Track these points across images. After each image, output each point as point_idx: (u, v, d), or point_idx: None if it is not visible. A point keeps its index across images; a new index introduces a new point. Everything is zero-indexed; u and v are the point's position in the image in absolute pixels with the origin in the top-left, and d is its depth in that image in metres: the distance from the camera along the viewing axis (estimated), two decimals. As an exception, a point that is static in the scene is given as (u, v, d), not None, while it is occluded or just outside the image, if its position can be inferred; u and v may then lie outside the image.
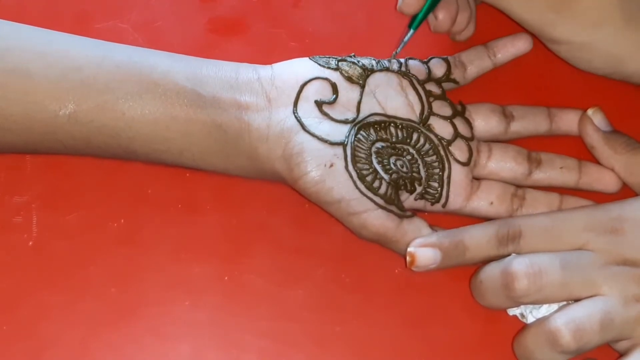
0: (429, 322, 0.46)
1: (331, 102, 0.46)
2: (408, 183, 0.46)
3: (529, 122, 0.50)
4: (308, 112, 0.46)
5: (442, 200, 0.47)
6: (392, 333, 0.46)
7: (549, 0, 0.49)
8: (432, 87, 0.49)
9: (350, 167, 0.45)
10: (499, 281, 0.44)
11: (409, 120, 0.48)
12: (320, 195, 0.45)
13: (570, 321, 0.42)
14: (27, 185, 0.47)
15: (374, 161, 0.46)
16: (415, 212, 0.47)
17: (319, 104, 0.46)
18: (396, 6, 0.49)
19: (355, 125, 0.46)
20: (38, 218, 0.47)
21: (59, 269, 0.46)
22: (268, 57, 0.48)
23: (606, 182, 0.49)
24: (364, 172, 0.45)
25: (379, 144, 0.46)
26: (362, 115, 0.47)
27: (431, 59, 0.51)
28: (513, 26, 0.51)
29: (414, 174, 0.47)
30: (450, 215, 0.48)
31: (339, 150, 0.45)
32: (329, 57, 0.48)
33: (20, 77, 0.44)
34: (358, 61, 0.48)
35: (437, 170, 0.47)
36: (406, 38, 0.49)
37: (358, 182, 0.45)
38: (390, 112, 0.48)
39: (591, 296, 0.43)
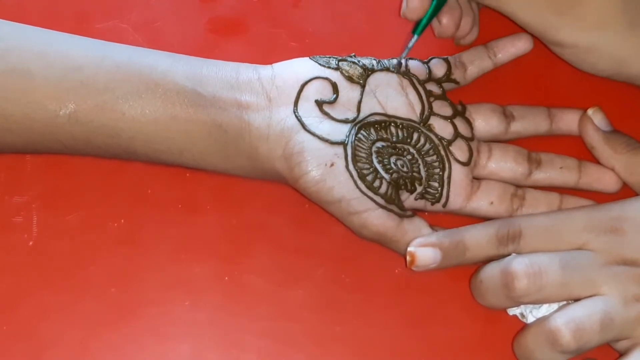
0: (429, 322, 0.46)
1: (331, 102, 0.46)
2: (408, 183, 0.46)
3: (529, 122, 0.50)
4: (308, 112, 0.46)
5: (443, 200, 0.47)
6: (392, 333, 0.46)
7: (552, 3, 0.49)
8: (432, 87, 0.49)
9: (351, 167, 0.45)
10: (499, 281, 0.44)
11: (410, 120, 0.48)
12: (321, 194, 0.45)
13: (571, 321, 0.42)
14: (27, 185, 0.47)
15: (375, 161, 0.46)
16: (416, 212, 0.47)
17: (320, 104, 0.46)
18: (396, 6, 0.49)
19: (355, 124, 0.46)
20: (38, 218, 0.47)
21: (59, 269, 0.46)
22: (268, 57, 0.48)
23: (606, 182, 0.49)
24: (365, 171, 0.45)
25: (379, 144, 0.46)
26: (362, 114, 0.47)
27: (432, 59, 0.51)
28: (515, 29, 0.51)
29: (415, 174, 0.47)
30: (451, 215, 0.48)
31: (339, 149, 0.45)
32: (330, 57, 0.48)
33: (20, 77, 0.44)
34: (358, 61, 0.48)
35: (437, 170, 0.47)
36: (410, 44, 0.49)
37: (358, 182, 0.45)
38: (390, 112, 0.48)
39: (591, 296, 0.43)
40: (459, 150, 0.48)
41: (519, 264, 0.43)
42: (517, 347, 0.44)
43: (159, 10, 0.54)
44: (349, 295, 0.46)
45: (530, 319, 0.45)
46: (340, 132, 0.46)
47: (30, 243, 0.46)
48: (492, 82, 0.52)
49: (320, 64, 0.47)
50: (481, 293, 0.45)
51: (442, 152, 0.48)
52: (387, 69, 0.49)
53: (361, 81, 0.47)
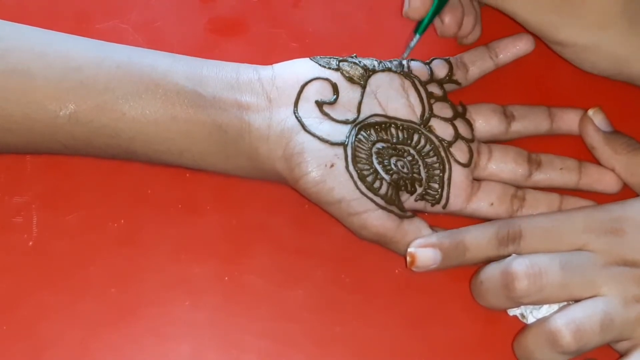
0: (429, 322, 0.46)
1: (332, 103, 0.46)
2: (409, 184, 0.46)
3: (530, 122, 0.50)
4: (309, 112, 0.46)
5: (443, 202, 0.47)
6: (392, 333, 0.46)
7: (553, 3, 0.49)
8: (434, 88, 0.49)
9: (351, 168, 0.45)
10: (499, 281, 0.44)
11: (410, 121, 0.48)
12: (321, 195, 0.45)
13: (571, 322, 0.42)
14: (27, 185, 0.47)
15: (375, 162, 0.46)
16: (416, 213, 0.47)
17: (320, 104, 0.46)
18: (397, 6, 0.49)
19: (355, 125, 0.46)
20: (38, 218, 0.47)
21: (59, 269, 0.46)
22: (268, 57, 0.48)
23: (606, 182, 0.49)
24: (365, 172, 0.45)
25: (379, 145, 0.46)
26: (362, 115, 0.47)
27: (433, 60, 0.51)
28: (517, 28, 0.51)
29: (415, 175, 0.47)
30: (451, 216, 0.48)
31: (339, 150, 0.45)
32: (330, 58, 0.48)
33: (20, 78, 0.44)
34: (359, 61, 0.48)
35: (437, 172, 0.47)
36: (412, 43, 0.49)
37: (359, 183, 0.45)
38: (390, 113, 0.48)
39: (591, 297, 0.43)
40: (460, 152, 0.48)
41: (519, 265, 0.43)
42: (517, 348, 0.44)
43: (159, 10, 0.54)
44: (349, 296, 0.46)
45: (530, 319, 0.45)
46: (341, 132, 0.46)
47: (30, 243, 0.46)
48: (493, 82, 0.52)
49: (320, 65, 0.47)
50: (481, 294, 0.45)
51: (443, 154, 0.48)
52: (389, 70, 0.48)
53: (362, 82, 0.47)
